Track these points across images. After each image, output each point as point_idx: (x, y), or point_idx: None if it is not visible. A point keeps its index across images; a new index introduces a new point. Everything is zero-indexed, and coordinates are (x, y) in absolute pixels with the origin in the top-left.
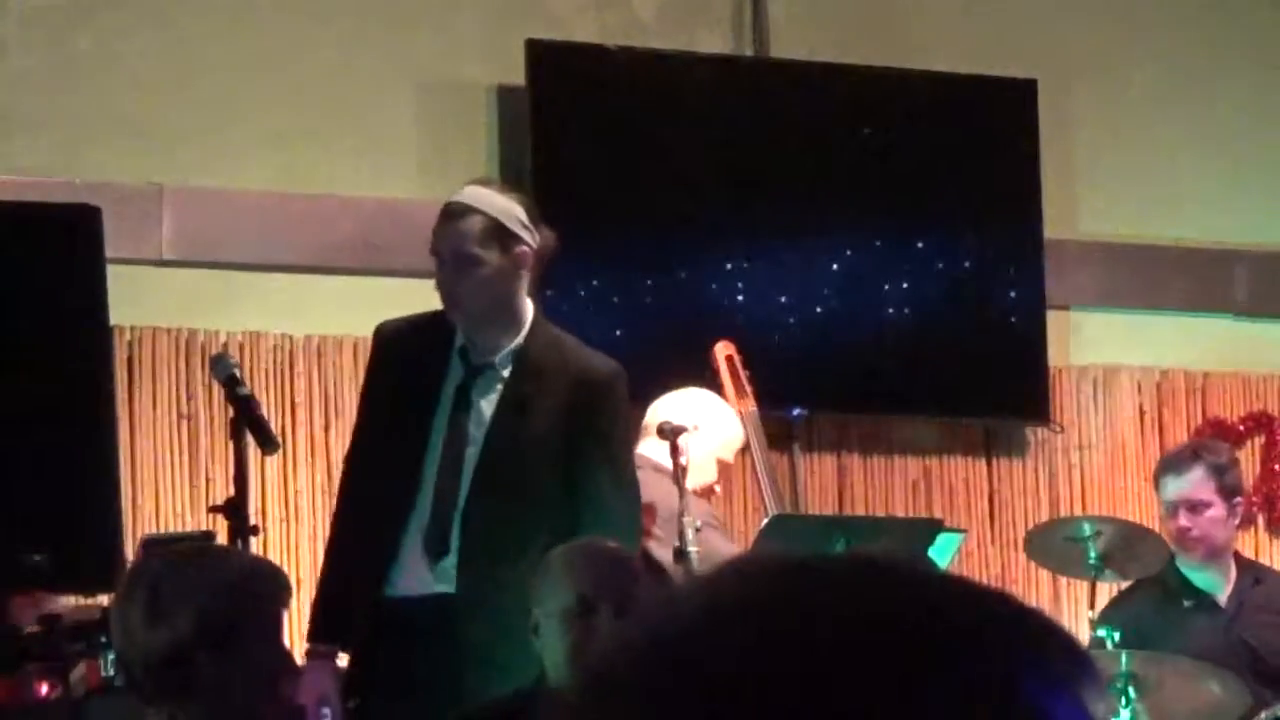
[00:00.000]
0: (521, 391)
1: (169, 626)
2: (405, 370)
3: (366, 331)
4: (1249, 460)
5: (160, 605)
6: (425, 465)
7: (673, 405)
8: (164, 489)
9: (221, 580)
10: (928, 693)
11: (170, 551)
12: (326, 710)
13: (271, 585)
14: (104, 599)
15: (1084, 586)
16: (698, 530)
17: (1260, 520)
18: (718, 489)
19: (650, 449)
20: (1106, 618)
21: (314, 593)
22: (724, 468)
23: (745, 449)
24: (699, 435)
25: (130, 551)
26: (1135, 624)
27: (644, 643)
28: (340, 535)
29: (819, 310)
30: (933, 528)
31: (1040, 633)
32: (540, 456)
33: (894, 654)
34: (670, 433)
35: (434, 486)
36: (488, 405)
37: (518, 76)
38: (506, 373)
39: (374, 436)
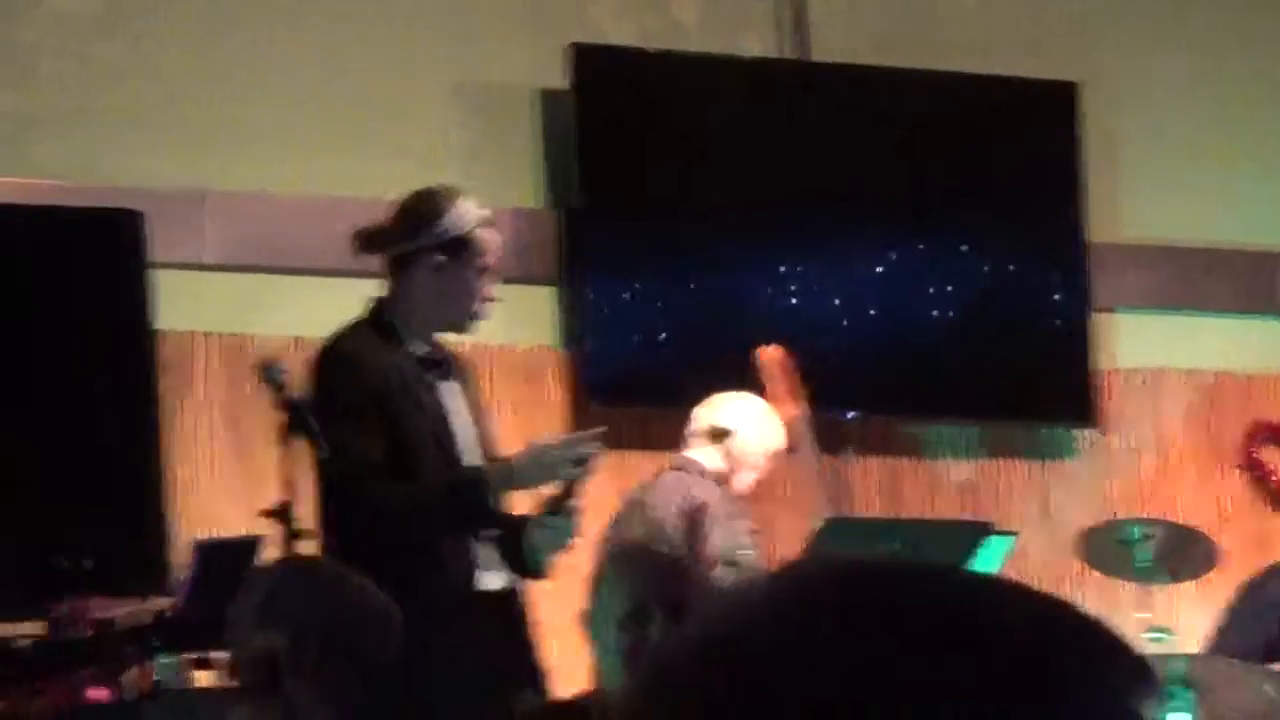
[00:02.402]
0: (457, 376)
1: (268, 635)
2: (384, 382)
3: None
4: None
5: (267, 612)
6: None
7: (718, 409)
8: (213, 494)
9: (328, 607)
10: (986, 703)
11: (299, 562)
12: None
13: (378, 630)
14: (154, 603)
15: (1135, 589)
16: (753, 534)
17: None
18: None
19: (700, 454)
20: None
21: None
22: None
23: (790, 452)
24: (738, 439)
25: (178, 556)
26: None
27: (702, 644)
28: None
29: (871, 313)
30: (983, 530)
31: (1102, 643)
32: None
33: (953, 664)
34: (719, 436)
35: None
36: (458, 400)
37: (561, 80)
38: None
39: (391, 448)
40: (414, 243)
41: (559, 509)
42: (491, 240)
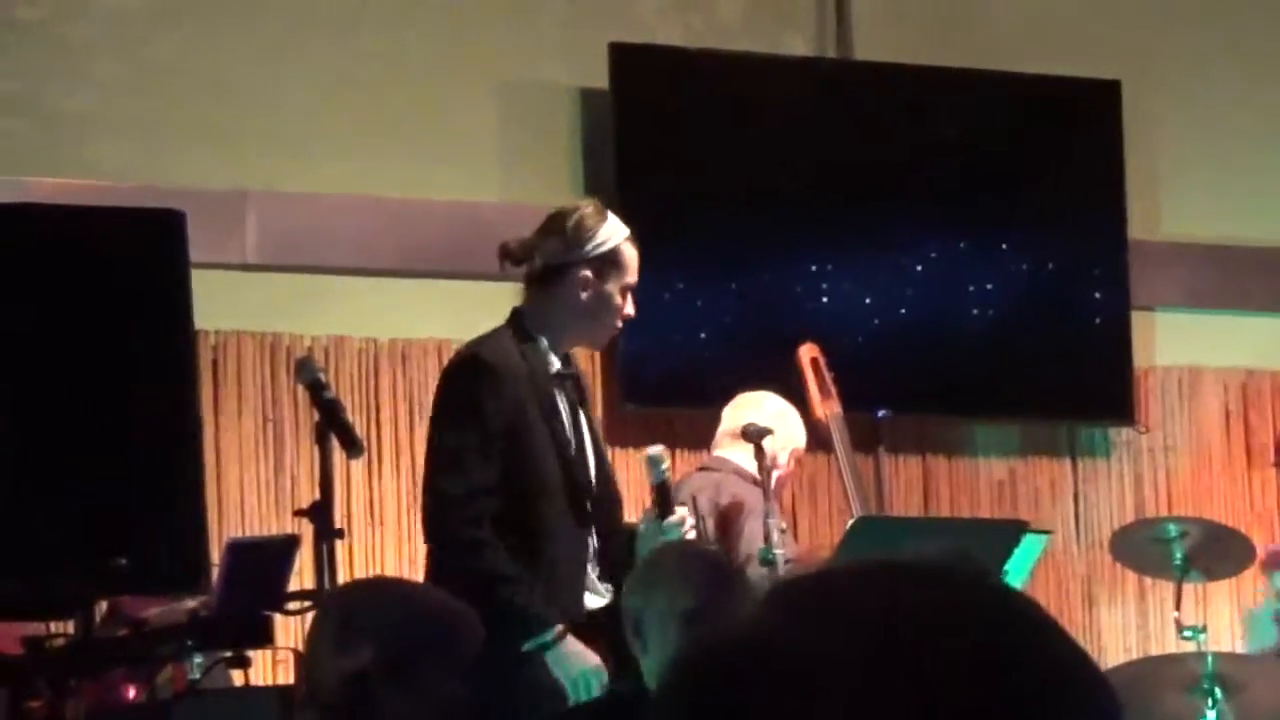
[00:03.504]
0: (585, 397)
1: (353, 655)
2: (523, 395)
3: (451, 335)
4: None
5: (348, 634)
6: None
7: (749, 409)
8: (249, 492)
9: (407, 614)
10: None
11: (365, 581)
12: None
13: (459, 625)
14: (189, 602)
15: (1169, 587)
16: (783, 532)
17: None
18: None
19: (731, 453)
20: None
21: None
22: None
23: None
24: (770, 438)
25: (215, 555)
26: None
27: (730, 648)
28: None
29: (903, 312)
30: (1018, 529)
31: (1084, 679)
32: None
33: (957, 685)
34: (755, 435)
35: (597, 499)
36: (581, 415)
37: (601, 79)
38: (569, 381)
39: (518, 463)
40: (567, 256)
41: (665, 525)
42: (635, 259)
